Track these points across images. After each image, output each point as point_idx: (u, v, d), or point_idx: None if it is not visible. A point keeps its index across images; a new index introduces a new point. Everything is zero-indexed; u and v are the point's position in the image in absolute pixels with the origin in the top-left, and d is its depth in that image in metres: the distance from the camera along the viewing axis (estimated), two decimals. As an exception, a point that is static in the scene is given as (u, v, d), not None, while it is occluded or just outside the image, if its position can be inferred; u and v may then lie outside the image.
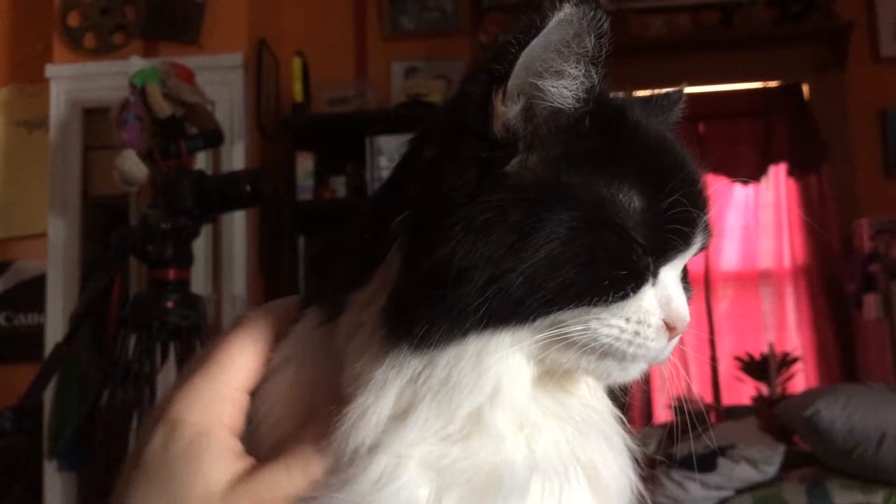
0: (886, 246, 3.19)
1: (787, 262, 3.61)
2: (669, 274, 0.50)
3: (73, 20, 3.27)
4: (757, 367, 3.21)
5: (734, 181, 3.63)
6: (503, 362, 0.46)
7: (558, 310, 0.46)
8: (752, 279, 3.63)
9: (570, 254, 0.45)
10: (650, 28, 3.60)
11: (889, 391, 2.53)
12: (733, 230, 3.65)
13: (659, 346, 0.49)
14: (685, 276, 0.53)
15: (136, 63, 2.63)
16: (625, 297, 0.47)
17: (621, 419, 0.54)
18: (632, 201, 0.47)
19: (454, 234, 0.45)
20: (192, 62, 2.79)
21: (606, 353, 0.48)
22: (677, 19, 3.64)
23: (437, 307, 0.45)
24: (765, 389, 3.16)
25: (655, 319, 0.49)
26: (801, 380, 3.39)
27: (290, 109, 3.52)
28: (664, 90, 0.57)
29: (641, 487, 0.52)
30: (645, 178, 0.48)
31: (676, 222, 0.48)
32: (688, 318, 0.50)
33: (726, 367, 3.42)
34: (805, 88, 3.63)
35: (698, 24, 3.65)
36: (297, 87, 3.47)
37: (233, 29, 3.22)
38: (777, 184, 3.65)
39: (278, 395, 0.50)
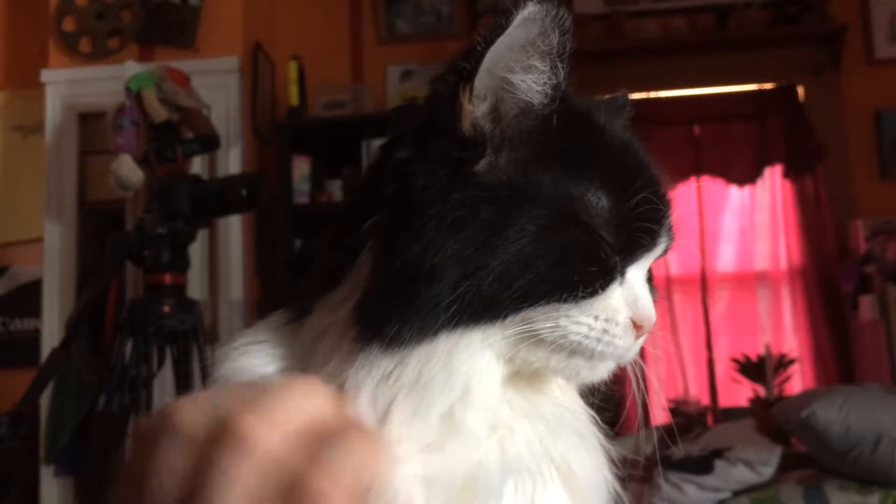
0: (882, 247, 3.18)
1: (783, 264, 3.60)
2: (636, 273, 0.51)
3: (69, 25, 3.27)
4: (753, 369, 3.20)
5: (729, 183, 3.64)
6: (473, 361, 0.46)
7: (529, 306, 0.46)
8: (748, 281, 3.62)
9: (540, 251, 0.45)
10: (645, 30, 3.60)
11: (885, 392, 2.52)
12: (729, 232, 3.65)
13: (626, 344, 0.50)
14: (650, 279, 0.54)
15: (132, 67, 2.64)
16: (594, 293, 0.47)
17: (595, 418, 0.54)
18: (600, 201, 0.48)
19: (426, 233, 0.45)
20: (188, 66, 2.79)
21: (575, 350, 0.48)
22: (672, 22, 3.64)
23: (409, 306, 0.45)
24: (761, 391, 3.15)
25: (623, 318, 0.49)
26: (797, 381, 3.38)
27: (286, 113, 3.52)
28: (610, 95, 0.57)
29: (618, 486, 0.52)
30: (612, 178, 0.49)
31: (643, 221, 0.49)
32: (654, 317, 0.51)
33: (723, 368, 3.42)
34: (800, 90, 3.63)
35: (693, 27, 3.65)
36: (293, 91, 3.47)
37: (228, 33, 3.22)
38: (772, 186, 3.65)
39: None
